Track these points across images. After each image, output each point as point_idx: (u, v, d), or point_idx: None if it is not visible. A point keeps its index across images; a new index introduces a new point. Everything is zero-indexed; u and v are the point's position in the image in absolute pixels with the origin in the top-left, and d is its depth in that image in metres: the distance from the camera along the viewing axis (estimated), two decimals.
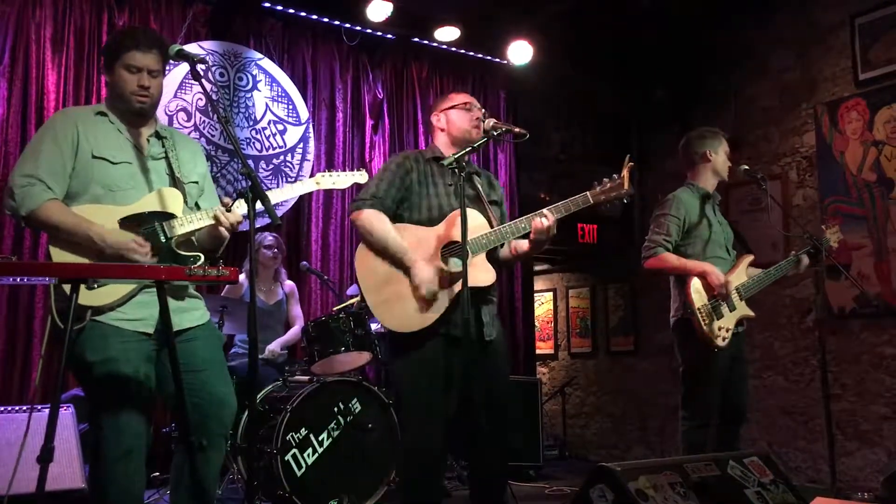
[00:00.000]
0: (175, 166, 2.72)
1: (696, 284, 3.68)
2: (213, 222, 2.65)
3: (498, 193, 3.23)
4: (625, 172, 2.96)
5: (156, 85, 2.69)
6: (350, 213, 3.03)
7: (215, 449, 2.64)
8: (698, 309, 3.64)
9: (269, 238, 5.10)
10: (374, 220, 2.94)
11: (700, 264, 3.74)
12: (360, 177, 3.08)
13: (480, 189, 3.10)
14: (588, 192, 2.97)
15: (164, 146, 2.74)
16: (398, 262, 2.90)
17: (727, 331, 3.67)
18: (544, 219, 2.89)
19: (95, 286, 2.43)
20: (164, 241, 2.59)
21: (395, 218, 2.99)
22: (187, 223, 2.64)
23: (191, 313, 2.71)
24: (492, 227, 2.99)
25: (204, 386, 2.60)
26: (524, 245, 3.08)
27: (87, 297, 2.39)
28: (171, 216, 2.64)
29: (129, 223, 2.58)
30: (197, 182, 2.82)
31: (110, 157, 2.63)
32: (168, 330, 2.43)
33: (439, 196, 3.01)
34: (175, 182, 2.71)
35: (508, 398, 3.01)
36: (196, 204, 2.81)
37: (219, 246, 2.75)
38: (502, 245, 3.08)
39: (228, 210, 2.64)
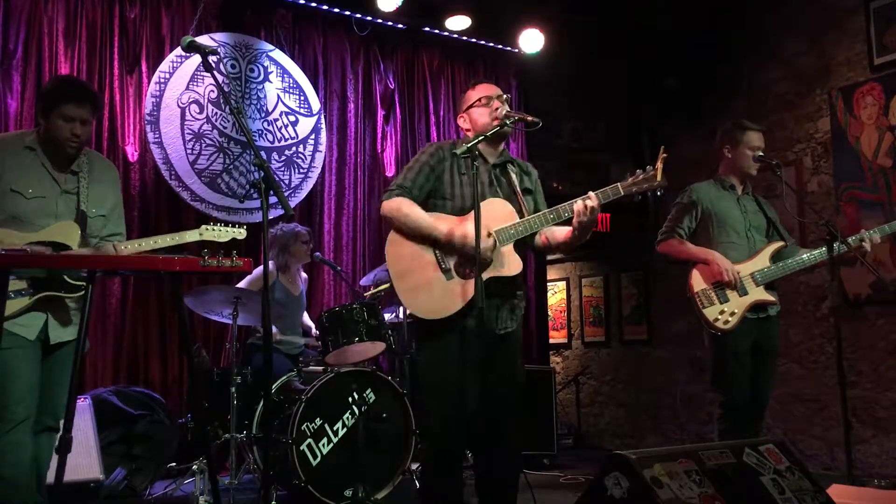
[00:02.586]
0: (83, 202, 3.09)
1: (697, 271, 3.85)
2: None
3: (532, 181, 3.19)
4: (658, 164, 2.94)
5: (86, 132, 3.10)
6: (380, 206, 3.03)
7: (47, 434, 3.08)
8: (696, 294, 3.81)
9: (304, 233, 5.11)
10: (404, 205, 2.93)
11: (705, 252, 3.85)
12: (240, 233, 3.51)
13: (514, 178, 3.08)
14: (619, 184, 2.94)
15: (77, 182, 3.11)
16: (431, 242, 2.89)
17: (731, 315, 3.75)
18: (589, 201, 2.86)
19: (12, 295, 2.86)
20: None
21: (426, 208, 2.98)
22: None
23: (69, 329, 3.05)
24: (521, 217, 2.97)
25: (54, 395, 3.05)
26: (561, 234, 3.05)
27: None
28: (66, 247, 2.99)
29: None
30: (104, 215, 3.18)
31: (25, 193, 3.00)
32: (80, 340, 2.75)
33: (470, 185, 2.97)
34: (79, 216, 3.07)
35: (520, 394, 2.99)
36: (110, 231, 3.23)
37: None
38: (533, 235, 3.06)
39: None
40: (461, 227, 2.90)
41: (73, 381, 2.67)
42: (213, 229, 3.43)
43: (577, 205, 2.88)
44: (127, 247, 3.11)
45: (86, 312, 2.64)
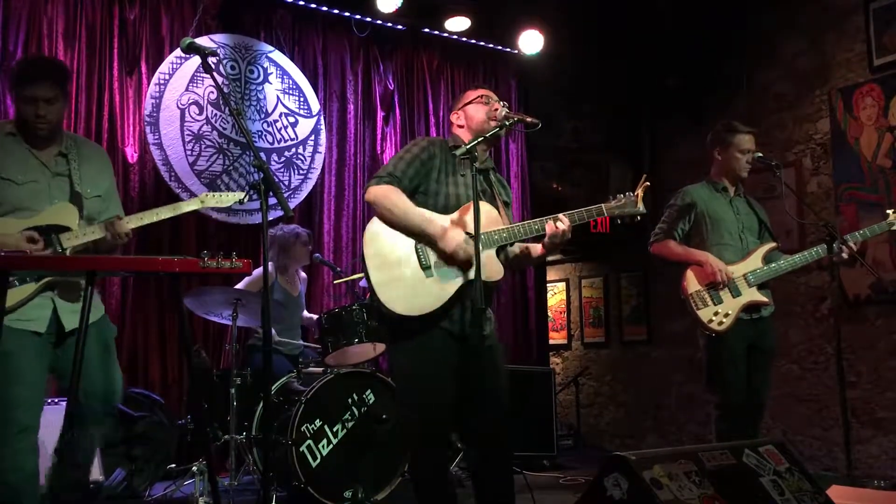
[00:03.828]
0: (77, 182, 3.03)
1: (691, 272, 3.85)
2: (103, 234, 2.99)
3: (508, 195, 3.19)
4: (639, 192, 2.96)
5: (53, 110, 2.97)
6: (365, 191, 2.94)
7: (95, 425, 3.03)
8: (690, 295, 3.81)
9: (304, 235, 5.11)
10: (393, 194, 2.84)
11: (699, 253, 3.85)
12: (240, 195, 3.35)
13: (496, 187, 3.08)
14: (603, 205, 2.97)
15: (67, 163, 3.05)
16: (418, 235, 2.82)
17: (725, 316, 3.75)
18: (560, 223, 2.87)
19: (17, 284, 2.78)
20: (59, 250, 2.92)
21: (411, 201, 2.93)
22: (80, 236, 2.98)
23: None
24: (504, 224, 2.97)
25: (87, 377, 2.84)
26: (537, 248, 3.05)
27: None
28: (66, 229, 2.95)
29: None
30: (100, 196, 3.12)
31: (16, 179, 2.93)
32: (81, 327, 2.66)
33: (457, 185, 2.95)
34: (74, 197, 3.01)
35: (506, 394, 2.95)
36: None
37: (111, 251, 3.07)
38: (512, 244, 3.05)
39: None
40: (447, 226, 2.86)
41: (72, 382, 2.60)
42: (215, 196, 3.37)
43: (549, 225, 2.89)
44: (129, 221, 3.06)
45: (85, 313, 2.62)
